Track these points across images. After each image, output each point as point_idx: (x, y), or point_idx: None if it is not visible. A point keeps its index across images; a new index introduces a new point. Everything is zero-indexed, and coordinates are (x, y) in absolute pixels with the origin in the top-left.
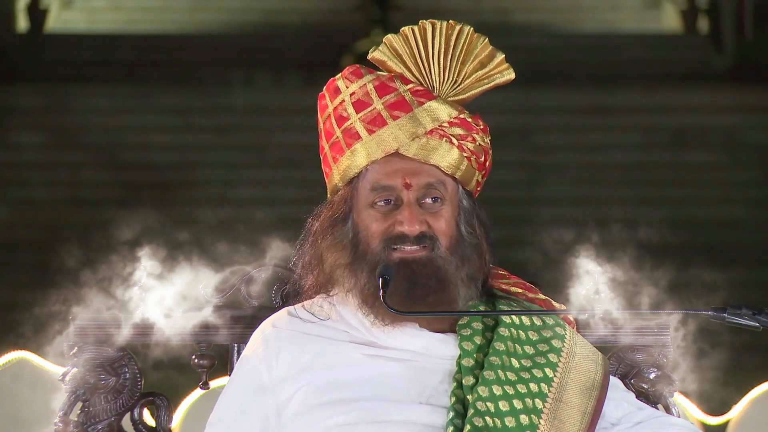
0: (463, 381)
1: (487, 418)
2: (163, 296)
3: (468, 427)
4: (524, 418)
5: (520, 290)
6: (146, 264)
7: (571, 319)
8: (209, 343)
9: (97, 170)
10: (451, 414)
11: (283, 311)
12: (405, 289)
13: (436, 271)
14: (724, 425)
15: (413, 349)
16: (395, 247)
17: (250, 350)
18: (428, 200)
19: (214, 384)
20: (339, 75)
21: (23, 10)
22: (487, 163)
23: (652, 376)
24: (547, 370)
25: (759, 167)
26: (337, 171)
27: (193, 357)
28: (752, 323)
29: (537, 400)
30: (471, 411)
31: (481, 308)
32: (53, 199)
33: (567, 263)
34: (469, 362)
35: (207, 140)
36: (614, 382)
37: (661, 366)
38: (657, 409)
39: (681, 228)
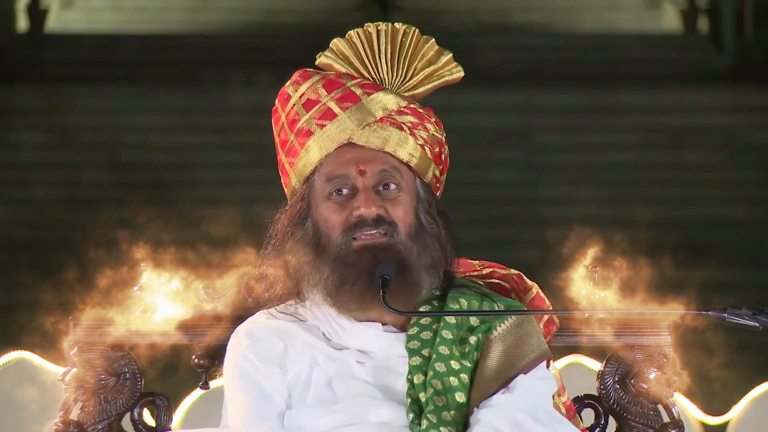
0: (414, 380)
1: (444, 413)
2: (163, 296)
3: (425, 422)
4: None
5: (490, 270)
6: (146, 264)
7: (556, 321)
8: (209, 344)
9: (97, 170)
10: (411, 416)
11: (259, 313)
12: (368, 275)
13: (396, 255)
14: (724, 425)
15: (371, 350)
16: (355, 235)
17: (233, 355)
18: (385, 187)
19: (214, 384)
20: (288, 82)
21: (23, 10)
22: (443, 156)
23: (652, 376)
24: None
25: (759, 167)
26: (293, 174)
27: (193, 357)
28: (752, 323)
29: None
30: (430, 407)
31: (434, 302)
32: (53, 199)
33: (567, 263)
34: (416, 361)
35: (207, 140)
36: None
37: (661, 366)
38: (657, 409)
39: (681, 228)
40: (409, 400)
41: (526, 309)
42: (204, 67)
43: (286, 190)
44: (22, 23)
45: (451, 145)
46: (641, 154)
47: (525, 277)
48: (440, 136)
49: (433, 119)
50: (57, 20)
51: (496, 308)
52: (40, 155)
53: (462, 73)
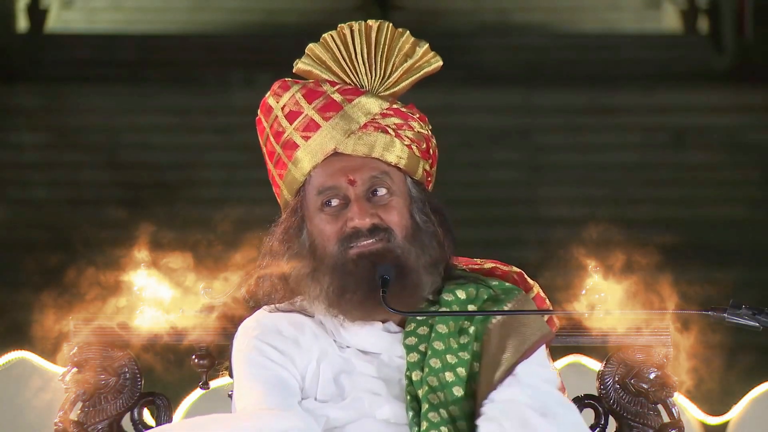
0: (413, 377)
1: (441, 410)
2: (163, 296)
3: (425, 424)
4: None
5: (492, 266)
6: (146, 264)
7: (556, 321)
8: (209, 343)
9: (97, 170)
10: (411, 414)
11: (261, 309)
12: (367, 282)
13: (395, 260)
14: (724, 425)
15: (371, 350)
16: (351, 245)
17: (243, 345)
18: (376, 193)
19: (214, 384)
20: (268, 93)
21: (23, 10)
22: (431, 151)
23: (652, 376)
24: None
25: (759, 167)
26: (284, 186)
27: (193, 357)
28: (752, 323)
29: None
30: (425, 406)
31: (429, 297)
32: (53, 199)
33: (567, 263)
34: (414, 357)
35: (207, 140)
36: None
37: (661, 366)
38: (657, 409)
39: (681, 228)
40: (408, 397)
41: (522, 292)
42: (204, 67)
43: (279, 200)
44: (22, 23)
45: (451, 145)
46: (641, 154)
47: (526, 276)
48: (426, 132)
49: (417, 116)
50: (57, 20)
51: (492, 293)
52: (40, 155)
53: (440, 62)
